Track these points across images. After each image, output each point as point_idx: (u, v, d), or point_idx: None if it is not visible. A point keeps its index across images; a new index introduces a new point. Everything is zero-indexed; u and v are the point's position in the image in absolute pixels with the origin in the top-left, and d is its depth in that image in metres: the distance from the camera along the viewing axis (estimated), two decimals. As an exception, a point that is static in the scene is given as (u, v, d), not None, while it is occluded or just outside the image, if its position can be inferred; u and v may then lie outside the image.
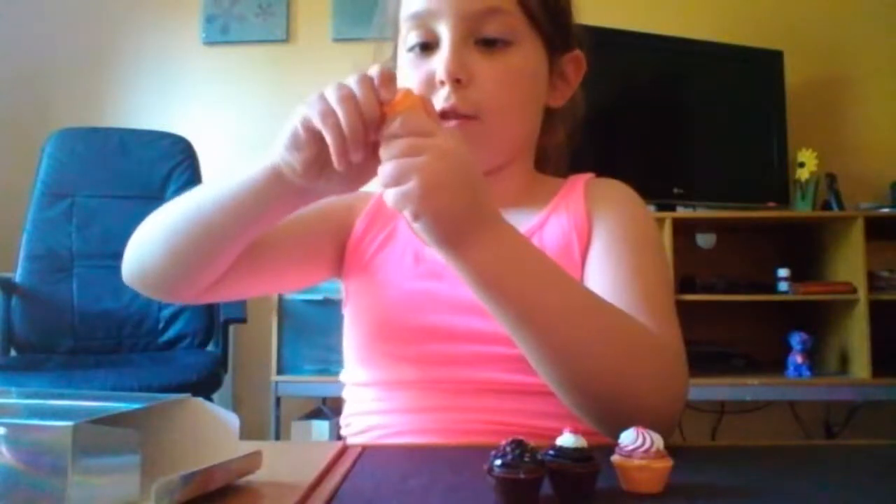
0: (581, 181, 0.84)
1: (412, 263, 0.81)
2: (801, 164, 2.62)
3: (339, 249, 0.85)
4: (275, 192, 0.66)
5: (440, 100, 0.75)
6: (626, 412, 0.60)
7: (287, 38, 2.98)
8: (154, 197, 2.54)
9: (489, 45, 0.76)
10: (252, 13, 2.98)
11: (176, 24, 3.02)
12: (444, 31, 0.75)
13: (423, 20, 0.76)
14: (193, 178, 2.58)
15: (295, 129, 0.61)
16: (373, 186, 0.90)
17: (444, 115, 0.74)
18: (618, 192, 0.84)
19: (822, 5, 2.86)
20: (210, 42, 3.00)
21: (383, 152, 0.59)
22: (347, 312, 0.85)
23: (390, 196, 0.59)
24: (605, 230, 0.78)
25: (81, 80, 3.01)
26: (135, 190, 2.54)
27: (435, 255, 0.80)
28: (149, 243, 0.73)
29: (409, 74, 0.77)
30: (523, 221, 0.80)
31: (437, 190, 0.58)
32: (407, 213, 0.59)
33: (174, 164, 2.58)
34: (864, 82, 2.84)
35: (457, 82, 0.74)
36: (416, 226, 0.60)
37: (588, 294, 0.65)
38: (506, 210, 0.82)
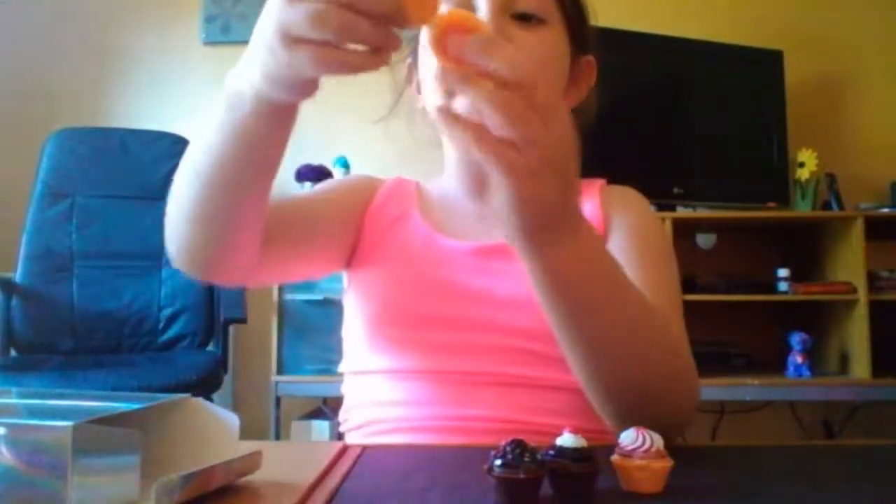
0: (596, 186, 0.85)
1: (424, 249, 0.81)
2: (801, 164, 2.62)
3: (359, 227, 0.84)
4: (273, 122, 0.57)
5: None
6: (655, 416, 0.61)
7: (287, 38, 2.97)
8: (154, 197, 2.54)
9: (525, 19, 0.76)
10: (252, 13, 2.97)
11: (176, 24, 3.02)
12: (482, 1, 0.75)
13: None
14: (193, 178, 2.57)
15: (271, 51, 0.50)
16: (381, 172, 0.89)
17: None
18: (632, 200, 0.85)
19: (822, 5, 2.86)
20: (210, 42, 3.00)
21: (484, 94, 0.48)
22: (351, 299, 0.84)
23: (490, 153, 0.49)
24: (621, 234, 0.79)
25: (81, 80, 3.01)
26: (135, 190, 2.54)
27: (447, 241, 0.81)
28: (175, 229, 0.68)
29: None
30: None
31: (550, 172, 0.50)
32: (504, 187, 0.51)
33: (174, 164, 2.49)
34: (864, 82, 2.84)
35: None
36: (504, 205, 0.52)
37: (644, 303, 0.64)
38: None
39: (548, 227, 0.54)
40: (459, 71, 0.48)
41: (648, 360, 0.63)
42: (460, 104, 0.49)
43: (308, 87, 0.53)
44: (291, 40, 0.48)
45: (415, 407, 0.76)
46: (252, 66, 0.54)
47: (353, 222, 0.83)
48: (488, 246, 0.80)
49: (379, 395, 0.79)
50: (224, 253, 0.68)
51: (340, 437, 0.83)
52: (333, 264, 0.84)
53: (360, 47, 0.48)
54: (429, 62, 0.79)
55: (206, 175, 0.62)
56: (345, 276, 0.86)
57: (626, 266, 0.74)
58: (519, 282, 0.77)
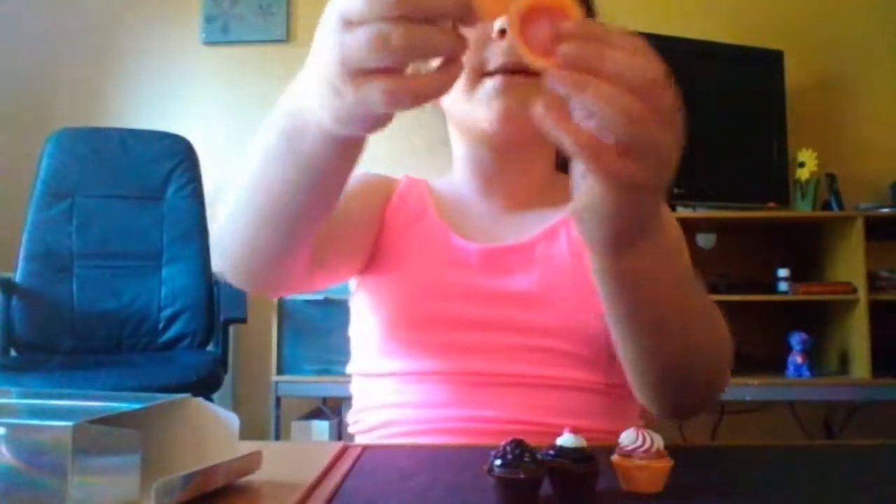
0: None
1: (439, 251, 0.80)
2: (801, 164, 2.62)
3: (379, 227, 0.83)
4: (339, 155, 0.52)
5: (498, 48, 0.73)
6: (702, 398, 0.67)
7: (287, 38, 2.97)
8: (154, 197, 2.54)
9: None
10: (252, 13, 2.98)
11: (176, 24, 3.02)
12: None
13: None
14: (193, 178, 2.58)
15: (336, 90, 0.44)
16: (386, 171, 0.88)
17: (505, 66, 0.73)
18: None
19: (822, 5, 2.86)
20: (210, 42, 3.00)
21: (602, 97, 0.42)
22: (362, 301, 0.83)
23: (601, 164, 0.44)
24: None
25: (81, 80, 3.01)
26: (135, 190, 2.54)
27: (462, 243, 0.80)
28: (228, 253, 0.65)
29: None
30: (547, 219, 0.81)
31: (657, 184, 0.46)
32: (603, 197, 0.47)
33: (174, 164, 2.58)
34: (864, 82, 2.84)
35: None
36: (595, 213, 0.49)
37: (701, 288, 0.64)
38: (528, 208, 0.82)
39: (636, 235, 0.52)
40: (564, 72, 0.43)
41: (704, 343, 0.65)
42: (576, 107, 0.43)
43: (383, 120, 0.46)
44: (358, 74, 0.42)
45: (430, 409, 0.76)
46: (314, 103, 0.48)
47: (375, 226, 0.83)
48: (503, 247, 0.80)
49: (393, 398, 0.78)
50: (279, 274, 0.67)
51: (341, 436, 0.83)
52: (356, 268, 0.83)
53: (432, 63, 0.43)
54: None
55: (265, 206, 0.59)
56: (355, 278, 0.85)
57: None
58: (533, 281, 0.77)
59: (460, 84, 0.75)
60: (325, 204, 0.60)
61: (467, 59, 0.74)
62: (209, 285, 2.51)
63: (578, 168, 0.49)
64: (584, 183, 0.48)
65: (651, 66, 0.43)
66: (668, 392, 0.67)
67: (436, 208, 0.84)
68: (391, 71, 0.41)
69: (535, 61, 0.44)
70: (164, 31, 3.02)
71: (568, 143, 0.43)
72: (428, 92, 0.42)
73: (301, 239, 0.63)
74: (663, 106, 0.44)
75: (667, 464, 0.51)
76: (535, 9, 0.44)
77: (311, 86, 0.48)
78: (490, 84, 0.75)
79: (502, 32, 0.73)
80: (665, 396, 0.68)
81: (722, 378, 0.69)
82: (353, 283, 0.85)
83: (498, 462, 0.48)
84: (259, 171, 0.57)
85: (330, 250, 0.74)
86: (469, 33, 0.75)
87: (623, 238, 0.51)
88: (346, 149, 0.51)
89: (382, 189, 0.86)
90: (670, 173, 0.47)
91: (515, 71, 0.73)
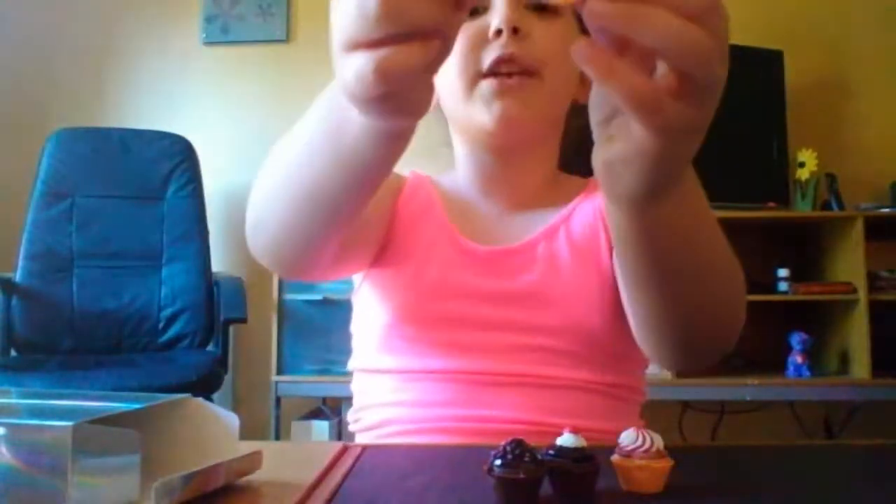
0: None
1: (444, 250, 0.80)
2: (801, 164, 2.62)
3: (388, 225, 0.83)
4: (384, 146, 0.49)
5: (495, 49, 0.73)
6: (716, 348, 0.66)
7: (287, 38, 2.97)
8: (154, 197, 2.54)
9: (540, 9, 0.76)
10: (252, 13, 2.98)
11: (176, 24, 3.02)
12: None
13: None
14: (193, 178, 2.58)
15: (336, 65, 0.42)
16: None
17: (500, 64, 0.73)
18: None
19: (822, 5, 2.86)
20: (210, 42, 3.00)
21: (668, 29, 0.36)
22: (366, 297, 0.83)
23: (656, 107, 0.39)
24: None
25: (81, 80, 3.01)
26: (135, 190, 2.55)
27: (467, 243, 0.80)
28: (262, 235, 0.64)
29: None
30: (549, 216, 0.81)
31: (704, 127, 0.43)
32: (648, 145, 0.42)
33: (174, 164, 2.58)
34: (864, 82, 2.84)
35: (514, 32, 0.73)
36: (632, 164, 0.44)
37: (724, 241, 0.62)
38: (529, 208, 0.82)
39: (671, 184, 0.48)
40: (608, 4, 0.37)
41: (726, 292, 0.64)
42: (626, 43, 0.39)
43: (405, 106, 0.43)
44: (347, 46, 0.40)
45: (430, 408, 0.76)
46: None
47: (386, 218, 0.82)
48: (507, 250, 0.80)
49: (393, 396, 0.78)
50: (311, 259, 0.66)
51: (341, 436, 0.83)
52: (368, 260, 0.82)
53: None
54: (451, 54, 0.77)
55: (305, 193, 0.57)
56: (358, 274, 0.85)
57: None
58: (534, 281, 0.77)
59: (459, 86, 0.76)
60: (365, 195, 0.58)
61: (465, 59, 0.74)
62: (209, 285, 2.51)
63: (601, 114, 0.45)
64: (619, 132, 0.43)
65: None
66: (683, 343, 0.65)
67: (442, 206, 0.84)
68: (377, 43, 0.39)
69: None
70: (164, 31, 3.02)
71: (621, 92, 0.38)
72: (409, 63, 0.39)
73: (338, 228, 0.62)
74: (721, 33, 0.38)
75: (667, 464, 0.51)
76: None
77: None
78: (486, 86, 0.74)
79: (498, 32, 0.73)
80: (678, 348, 0.65)
81: (737, 328, 0.67)
82: (356, 277, 0.85)
83: (498, 462, 0.48)
84: (301, 157, 0.56)
85: (349, 241, 0.73)
86: (466, 35, 0.75)
87: (658, 188, 0.47)
88: (385, 140, 0.48)
89: (393, 182, 0.85)
90: (711, 116, 0.42)
91: (511, 72, 0.73)
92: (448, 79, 0.77)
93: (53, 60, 3.03)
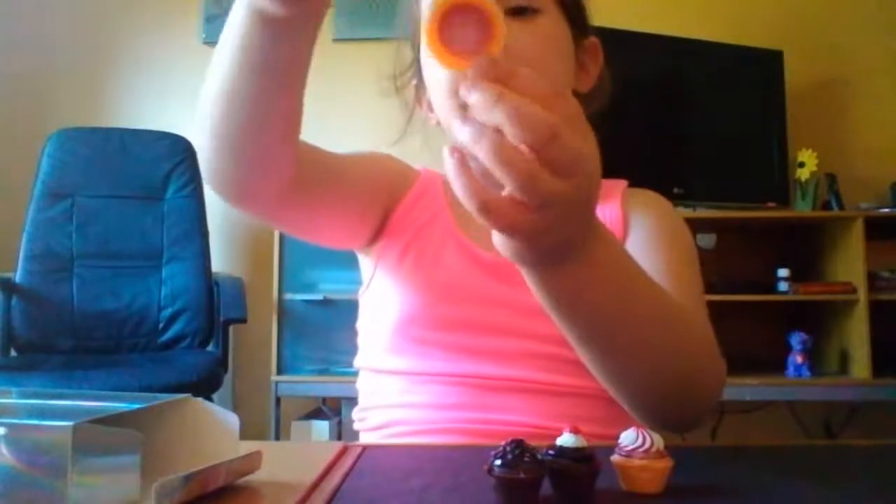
0: (619, 187, 0.85)
1: (454, 252, 0.80)
2: (801, 164, 2.62)
3: (385, 217, 0.82)
4: (269, 36, 0.55)
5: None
6: (687, 407, 0.64)
7: (287, 38, 2.97)
8: (154, 197, 2.54)
9: (519, 12, 0.75)
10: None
11: (176, 24, 3.02)
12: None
13: None
14: (193, 178, 2.58)
15: None
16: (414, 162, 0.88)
17: None
18: (655, 202, 0.85)
19: (822, 5, 2.86)
20: (210, 42, 2.99)
21: (492, 147, 0.42)
22: (375, 297, 0.83)
23: (493, 214, 0.44)
24: (641, 231, 0.79)
25: (81, 80, 3.01)
26: (135, 190, 2.54)
27: (474, 248, 0.80)
28: (204, 148, 0.66)
29: None
30: None
31: (564, 222, 0.46)
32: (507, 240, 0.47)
33: (174, 164, 2.58)
34: (864, 82, 2.84)
35: None
36: (505, 247, 0.49)
37: (665, 302, 0.61)
38: None
39: (564, 254, 0.50)
40: (464, 127, 0.42)
41: (670, 363, 0.61)
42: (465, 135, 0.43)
43: None
44: None
45: (437, 410, 0.76)
46: None
47: (381, 203, 0.81)
48: None
49: (401, 398, 0.78)
50: (252, 175, 0.65)
51: (341, 436, 0.83)
52: (354, 237, 0.82)
53: None
54: (432, 76, 0.79)
55: (222, 89, 0.61)
56: (368, 272, 0.85)
57: (648, 260, 0.72)
58: None
59: (451, 107, 0.75)
60: (283, 98, 0.60)
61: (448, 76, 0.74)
62: (209, 285, 2.51)
63: None
64: None
65: (545, 118, 0.42)
66: (645, 407, 0.64)
67: (450, 210, 0.84)
68: None
69: (449, 63, 0.44)
70: (164, 31, 3.02)
71: (463, 197, 0.44)
72: None
73: (266, 131, 0.62)
74: (561, 156, 0.43)
75: (667, 464, 0.51)
76: (458, 6, 0.43)
77: None
78: None
79: None
80: (644, 412, 0.65)
81: (704, 389, 0.64)
82: (366, 277, 0.85)
83: (498, 462, 0.48)
84: (220, 68, 0.61)
85: (329, 184, 0.73)
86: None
87: (545, 259, 0.50)
88: (280, 29, 0.54)
89: (401, 177, 0.85)
90: (582, 209, 0.47)
91: None
92: (435, 97, 0.78)
93: (53, 60, 3.03)
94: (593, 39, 0.85)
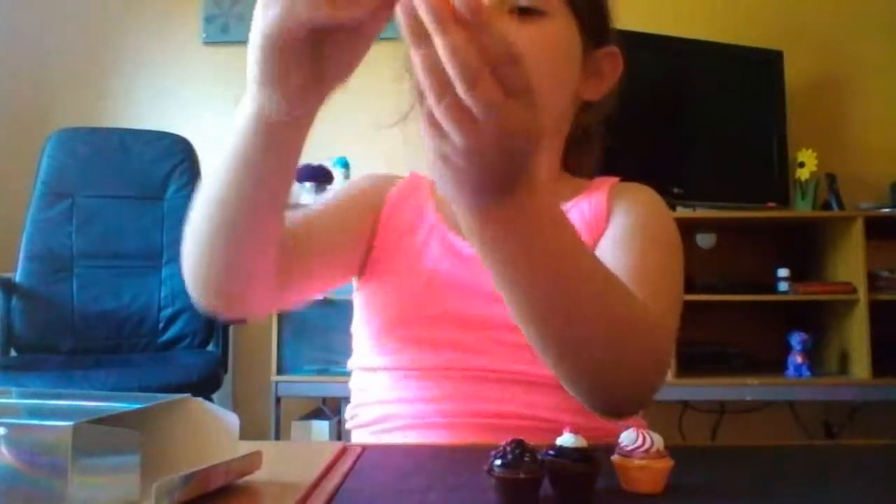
0: (608, 182, 0.85)
1: (438, 248, 0.81)
2: (801, 164, 2.62)
3: (373, 231, 0.83)
4: (270, 141, 0.57)
5: None
6: (614, 384, 0.61)
7: (287, 38, 2.97)
8: (154, 197, 2.54)
9: (524, 12, 0.75)
10: (252, 13, 2.97)
11: (176, 24, 3.02)
12: None
13: None
14: (193, 178, 2.58)
15: (260, 51, 0.54)
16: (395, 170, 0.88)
17: None
18: (642, 194, 0.84)
19: (822, 5, 2.86)
20: (210, 42, 3.00)
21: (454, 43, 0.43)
22: (364, 296, 0.84)
23: (445, 108, 0.45)
24: (618, 228, 0.78)
25: (81, 80, 3.01)
26: (135, 190, 2.54)
27: (460, 242, 0.80)
28: (195, 266, 0.66)
29: None
30: None
31: (503, 151, 0.48)
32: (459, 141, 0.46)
33: (174, 164, 2.58)
34: (864, 82, 2.84)
35: None
36: (443, 177, 0.50)
37: (604, 277, 0.61)
38: None
39: (492, 195, 0.51)
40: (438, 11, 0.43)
41: (598, 333, 0.60)
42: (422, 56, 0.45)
43: (294, 93, 0.53)
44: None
45: (427, 404, 0.76)
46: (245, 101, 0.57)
47: (367, 231, 0.83)
48: None
49: (390, 393, 0.79)
50: (241, 284, 0.67)
51: (341, 436, 0.83)
52: (350, 273, 0.84)
53: None
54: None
55: (211, 196, 0.62)
56: (357, 275, 0.86)
57: (614, 258, 0.72)
58: None
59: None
60: (268, 209, 0.62)
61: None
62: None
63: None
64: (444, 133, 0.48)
65: (512, 44, 0.44)
66: (572, 381, 0.63)
67: (436, 207, 0.84)
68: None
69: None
70: (164, 30, 3.02)
71: (422, 75, 0.45)
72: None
73: (254, 244, 0.64)
74: (513, 77, 0.45)
75: (667, 464, 0.51)
76: None
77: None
78: None
79: None
80: (574, 386, 0.63)
81: (636, 373, 0.63)
82: (355, 280, 0.86)
83: (498, 462, 0.48)
84: (209, 181, 0.63)
85: (315, 257, 0.75)
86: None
87: (478, 194, 0.51)
88: (270, 130, 0.56)
89: (376, 193, 0.86)
90: (520, 144, 0.48)
91: None
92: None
93: (53, 60, 3.03)
94: (612, 49, 0.84)
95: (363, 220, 0.83)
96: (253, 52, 0.54)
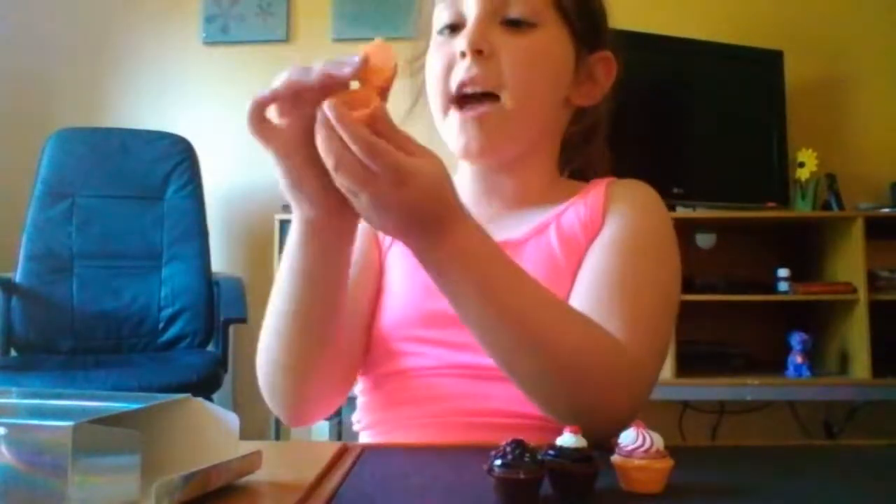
0: (604, 182, 0.84)
1: None
2: (801, 164, 2.62)
3: (381, 267, 0.85)
4: (317, 247, 0.63)
5: (460, 72, 0.76)
6: (577, 411, 0.63)
7: (287, 38, 2.97)
8: (154, 197, 2.54)
9: (514, 24, 0.77)
10: (252, 13, 2.98)
11: (176, 24, 3.02)
12: (471, 9, 0.77)
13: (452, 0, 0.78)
14: (193, 178, 2.58)
15: (274, 158, 0.60)
16: None
17: (463, 87, 0.76)
18: (638, 192, 0.83)
19: (822, 5, 2.86)
20: (210, 42, 3.00)
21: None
22: None
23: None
24: (613, 225, 0.78)
25: (81, 80, 3.01)
26: (135, 190, 2.54)
27: None
28: (272, 384, 0.71)
29: (434, 57, 0.79)
30: (540, 217, 0.81)
31: (385, 207, 0.57)
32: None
33: (174, 164, 2.58)
34: (864, 82, 2.84)
35: (478, 53, 0.75)
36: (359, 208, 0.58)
37: (547, 303, 0.65)
38: (525, 208, 0.82)
39: (414, 231, 0.58)
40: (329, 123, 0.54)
41: (552, 364, 0.63)
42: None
43: (320, 198, 0.59)
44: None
45: (431, 403, 0.77)
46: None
47: (377, 272, 0.84)
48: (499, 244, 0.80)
49: (396, 395, 0.79)
50: (318, 391, 0.73)
51: (341, 436, 0.83)
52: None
53: None
54: (430, 68, 0.81)
55: (277, 310, 0.68)
56: None
57: (605, 250, 0.75)
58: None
59: (436, 108, 0.79)
60: (340, 286, 0.67)
61: (439, 82, 0.78)
62: (209, 285, 2.51)
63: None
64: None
65: (368, 144, 0.53)
66: (548, 412, 0.66)
67: None
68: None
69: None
70: (164, 31, 3.02)
71: (323, 150, 0.55)
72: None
73: (337, 332, 0.69)
74: (376, 166, 0.53)
75: (667, 464, 0.51)
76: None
77: None
78: (452, 118, 0.77)
79: (463, 54, 0.75)
80: (550, 415, 0.66)
81: (602, 402, 0.64)
82: None
83: (498, 462, 0.48)
84: (274, 298, 0.68)
85: (357, 326, 0.79)
86: (442, 55, 0.77)
87: (401, 228, 0.59)
88: (313, 234, 0.62)
89: (368, 240, 0.86)
90: (394, 209, 0.56)
91: (476, 93, 0.76)
92: (431, 98, 0.80)
93: (53, 60, 3.03)
94: (605, 54, 0.84)
95: (372, 270, 0.84)
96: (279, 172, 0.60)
